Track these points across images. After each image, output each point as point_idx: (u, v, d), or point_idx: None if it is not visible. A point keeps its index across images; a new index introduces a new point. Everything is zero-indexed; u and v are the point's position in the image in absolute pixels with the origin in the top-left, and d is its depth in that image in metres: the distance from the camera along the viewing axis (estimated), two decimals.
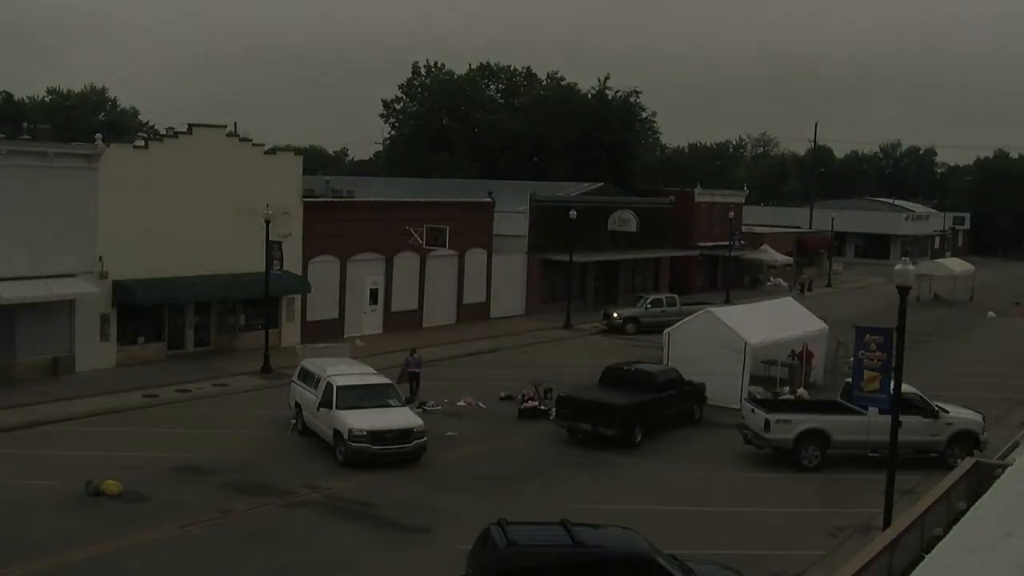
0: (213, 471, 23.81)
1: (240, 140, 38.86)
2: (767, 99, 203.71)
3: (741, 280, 67.57)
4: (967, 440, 26.43)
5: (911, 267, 18.75)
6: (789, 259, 72.65)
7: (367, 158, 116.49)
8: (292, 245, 38.49)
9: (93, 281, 33.21)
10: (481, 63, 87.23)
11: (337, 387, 25.81)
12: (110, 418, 28.59)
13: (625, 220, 56.17)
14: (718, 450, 27.15)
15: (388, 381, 27.37)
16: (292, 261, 38.49)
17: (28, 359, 32.29)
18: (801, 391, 33.10)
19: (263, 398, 31.53)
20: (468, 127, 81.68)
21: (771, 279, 71.59)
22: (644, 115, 75.92)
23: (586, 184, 60.18)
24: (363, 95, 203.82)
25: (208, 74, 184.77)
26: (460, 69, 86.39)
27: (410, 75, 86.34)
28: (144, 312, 35.16)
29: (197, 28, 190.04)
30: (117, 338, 34.78)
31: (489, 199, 49.85)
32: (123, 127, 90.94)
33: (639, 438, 27.55)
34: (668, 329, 34.72)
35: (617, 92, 73.71)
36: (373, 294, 43.98)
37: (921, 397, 26.63)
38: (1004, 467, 16.36)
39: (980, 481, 17.11)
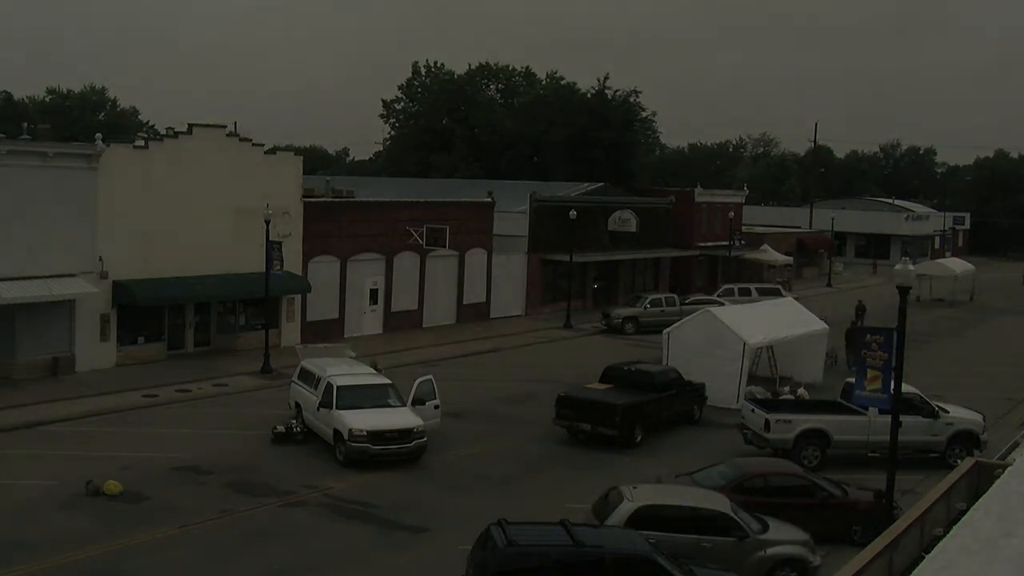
0: (213, 471, 23.81)
1: (240, 140, 38.84)
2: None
3: (741, 280, 67.35)
4: (967, 440, 26.45)
5: (911, 267, 18.74)
6: (789, 259, 72.57)
7: (367, 158, 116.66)
8: (292, 245, 38.49)
9: (93, 281, 33.20)
10: (480, 63, 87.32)
11: (337, 387, 25.82)
12: (110, 418, 28.58)
13: (625, 220, 56.14)
14: (718, 450, 27.09)
15: (388, 381, 27.34)
16: (292, 261, 38.47)
17: (28, 359, 32.30)
18: (801, 391, 33.06)
19: (263, 398, 31.51)
20: (468, 127, 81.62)
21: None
22: (644, 115, 75.95)
23: (586, 184, 60.17)
24: (363, 95, 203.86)
25: (208, 74, 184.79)
26: (460, 69, 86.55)
27: (410, 75, 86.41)
28: (144, 312, 35.14)
29: (197, 27, 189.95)
30: (117, 338, 34.77)
31: (489, 199, 49.83)
32: (123, 127, 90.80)
33: (639, 438, 27.57)
34: (668, 329, 34.74)
35: (616, 91, 73.80)
36: (373, 294, 43.97)
37: (921, 397, 26.64)
38: (1004, 467, 16.37)
39: (980, 481, 17.12)
